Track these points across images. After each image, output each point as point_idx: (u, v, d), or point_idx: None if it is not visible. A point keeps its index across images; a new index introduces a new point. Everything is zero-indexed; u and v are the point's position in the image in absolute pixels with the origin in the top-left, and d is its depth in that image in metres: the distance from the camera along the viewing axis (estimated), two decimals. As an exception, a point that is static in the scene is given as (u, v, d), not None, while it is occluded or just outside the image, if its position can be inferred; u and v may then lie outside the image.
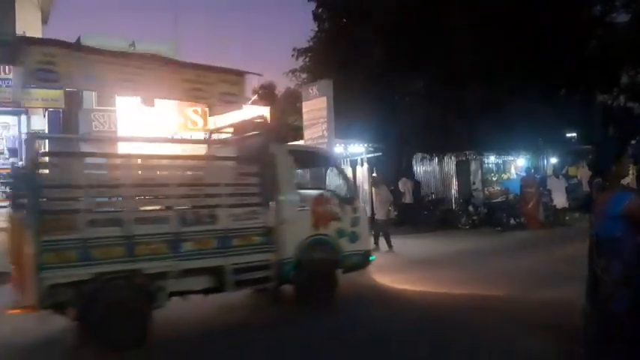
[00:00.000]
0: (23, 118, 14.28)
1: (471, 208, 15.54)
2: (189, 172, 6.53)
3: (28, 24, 14.78)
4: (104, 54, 6.63)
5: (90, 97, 15.91)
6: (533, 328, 5.29)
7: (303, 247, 6.55)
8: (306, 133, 14.33)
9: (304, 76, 22.01)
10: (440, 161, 17.14)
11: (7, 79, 12.86)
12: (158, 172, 6.34)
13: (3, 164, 14.62)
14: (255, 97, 16.60)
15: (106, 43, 16.62)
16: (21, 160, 14.37)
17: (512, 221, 14.84)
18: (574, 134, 21.54)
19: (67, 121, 14.49)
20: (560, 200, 14.78)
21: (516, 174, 18.06)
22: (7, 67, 12.84)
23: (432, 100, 16.45)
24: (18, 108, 13.38)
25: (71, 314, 5.25)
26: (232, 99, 7.46)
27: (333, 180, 8.51)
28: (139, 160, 6.15)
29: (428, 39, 16.43)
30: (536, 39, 17.29)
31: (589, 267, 4.13)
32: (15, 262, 5.31)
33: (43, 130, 13.88)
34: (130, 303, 5.32)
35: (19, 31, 14.49)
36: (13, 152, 14.71)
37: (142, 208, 6.02)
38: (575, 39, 18.53)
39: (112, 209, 5.85)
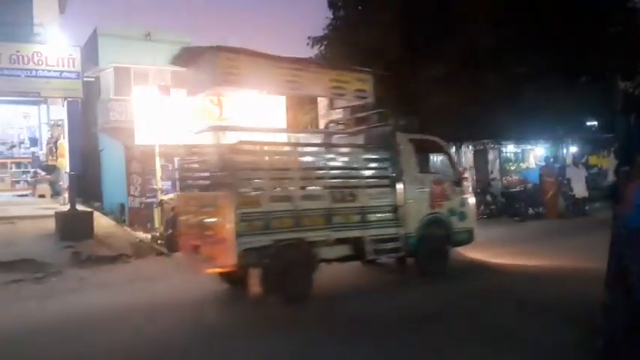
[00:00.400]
0: (43, 107, 14.52)
1: (488, 198, 15.36)
2: (338, 158, 7.53)
3: (45, 13, 14.92)
4: (274, 58, 7.57)
5: (107, 87, 16.07)
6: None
7: (423, 223, 7.60)
8: (323, 122, 14.28)
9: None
10: (457, 150, 16.94)
11: (27, 69, 12.97)
12: (316, 158, 7.38)
13: (24, 153, 14.92)
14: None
15: (122, 32, 16.82)
16: (41, 149, 14.65)
17: (530, 211, 14.65)
18: (594, 123, 21.09)
19: (85, 111, 14.63)
20: (579, 190, 14.54)
21: (535, 163, 17.80)
22: (25, 56, 12.98)
23: (450, 88, 16.19)
24: (38, 98, 13.55)
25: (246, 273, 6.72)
26: (363, 95, 8.33)
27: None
28: (304, 149, 7.50)
29: (446, 23, 16.16)
30: (556, 25, 16.91)
31: (610, 257, 4.05)
32: (204, 233, 6.55)
33: (62, 120, 14.06)
34: (298, 266, 6.39)
35: (36, 21, 14.65)
36: (34, 141, 14.98)
37: (306, 188, 7.03)
38: (596, 25, 18.07)
39: (285, 188, 6.79)
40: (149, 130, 12.00)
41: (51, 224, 10.58)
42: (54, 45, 13.39)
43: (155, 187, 12.39)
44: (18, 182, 14.65)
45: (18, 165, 14.79)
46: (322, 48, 21.35)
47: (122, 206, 13.43)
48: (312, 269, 6.57)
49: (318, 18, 27.97)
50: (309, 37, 21.13)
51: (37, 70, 13.10)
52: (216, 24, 43.28)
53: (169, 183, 13.47)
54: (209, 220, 6.46)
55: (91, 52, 15.86)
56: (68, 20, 17.58)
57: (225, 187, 6.23)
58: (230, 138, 7.07)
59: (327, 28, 20.52)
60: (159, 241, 10.93)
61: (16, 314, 6.55)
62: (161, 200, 11.53)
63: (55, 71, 13.26)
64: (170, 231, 10.56)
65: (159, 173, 12.52)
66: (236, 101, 13.82)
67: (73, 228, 10.30)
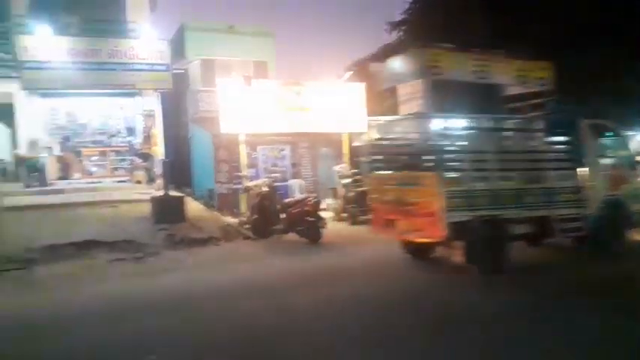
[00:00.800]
0: (137, 99, 15.48)
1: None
2: (528, 142, 8.23)
3: (137, 10, 15.82)
4: (467, 51, 8.45)
5: (195, 79, 16.83)
6: None
7: (603, 204, 7.95)
8: (402, 109, 14.00)
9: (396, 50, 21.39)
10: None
11: (122, 63, 13.87)
12: (509, 142, 8.13)
13: (121, 142, 16.05)
14: (350, 74, 16.50)
15: (207, 26, 17.50)
16: (136, 138, 15.69)
17: None
18: None
19: (176, 102, 15.42)
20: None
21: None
22: (121, 51, 13.88)
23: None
24: (133, 89, 14.46)
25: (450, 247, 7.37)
26: (544, 82, 8.95)
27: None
28: (499, 133, 8.15)
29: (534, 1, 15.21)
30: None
31: None
32: (404, 209, 7.27)
33: (153, 111, 14.92)
34: (495, 241, 6.94)
35: (129, 18, 15.56)
36: (130, 131, 16.06)
37: (500, 169, 7.53)
38: None
39: (482, 169, 7.37)
40: (234, 119, 12.47)
41: (147, 208, 11.29)
42: (145, 40, 14.21)
43: (241, 174, 12.84)
44: (117, 169, 15.79)
45: (117, 153, 15.94)
46: (401, 33, 20.95)
47: (211, 192, 14.04)
48: (507, 245, 7.10)
49: (398, 3, 27.47)
50: (387, 23, 20.84)
51: (131, 64, 14.01)
52: (292, 13, 43.73)
53: (254, 170, 13.94)
54: (413, 197, 7.15)
55: (178, 45, 16.63)
56: (156, 15, 18.49)
57: (433, 168, 6.98)
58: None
59: (405, 12, 20.15)
60: (245, 226, 11.33)
61: (126, 290, 7.07)
62: (247, 186, 11.93)
63: (146, 64, 14.11)
64: (256, 216, 10.93)
65: (244, 161, 12.98)
66: (315, 90, 13.99)
67: (166, 212, 10.93)
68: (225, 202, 13.38)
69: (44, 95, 14.59)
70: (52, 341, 5.02)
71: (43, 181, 13.54)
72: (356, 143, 14.97)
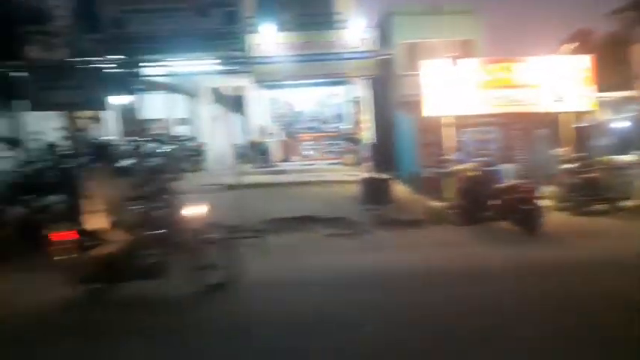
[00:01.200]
0: (345, 86, 16.37)
1: None
2: None
3: (343, 2, 16.57)
4: None
5: (401, 63, 16.96)
6: None
7: None
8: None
9: (629, 15, 18.26)
10: None
11: (334, 53, 14.70)
12: None
13: (332, 127, 17.31)
14: (573, 45, 14.61)
15: (414, 9, 17.45)
16: (345, 123, 16.70)
17: None
18: None
19: (384, 87, 15.80)
20: None
21: None
22: (332, 42, 14.70)
23: None
24: (343, 78, 15.27)
25: None
26: None
27: None
28: None
29: None
30: None
31: None
32: None
33: (358, 97, 15.54)
34: None
35: (337, 10, 16.40)
36: (339, 117, 17.19)
37: None
38: None
39: None
40: (436, 101, 12.21)
41: (356, 189, 11.92)
42: (353, 29, 14.78)
43: (447, 157, 12.54)
44: (329, 152, 17.13)
45: (328, 138, 17.28)
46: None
47: (416, 175, 14.08)
48: None
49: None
50: None
51: (341, 54, 14.75)
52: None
53: (460, 154, 13.47)
54: None
55: (383, 31, 16.92)
56: (362, 8, 19.05)
57: None
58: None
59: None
60: (451, 211, 11.06)
61: (344, 263, 7.58)
62: (454, 170, 11.60)
63: (355, 53, 14.69)
64: (463, 201, 10.56)
65: (449, 144, 12.62)
66: (529, 66, 12.76)
67: (374, 193, 11.41)
68: (430, 186, 13.21)
69: (269, 87, 16.45)
70: (279, 303, 5.67)
71: (268, 163, 15.43)
72: (581, 124, 13.30)
